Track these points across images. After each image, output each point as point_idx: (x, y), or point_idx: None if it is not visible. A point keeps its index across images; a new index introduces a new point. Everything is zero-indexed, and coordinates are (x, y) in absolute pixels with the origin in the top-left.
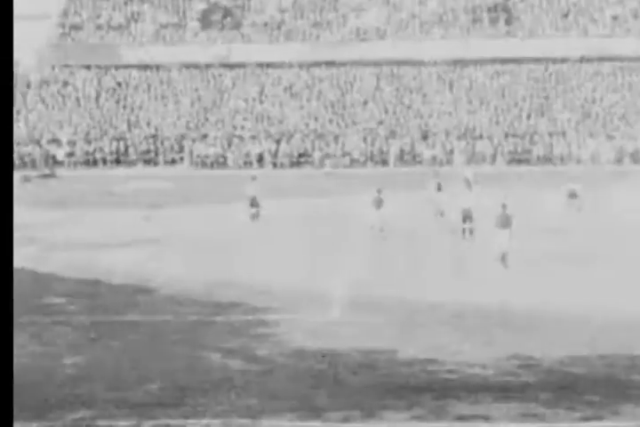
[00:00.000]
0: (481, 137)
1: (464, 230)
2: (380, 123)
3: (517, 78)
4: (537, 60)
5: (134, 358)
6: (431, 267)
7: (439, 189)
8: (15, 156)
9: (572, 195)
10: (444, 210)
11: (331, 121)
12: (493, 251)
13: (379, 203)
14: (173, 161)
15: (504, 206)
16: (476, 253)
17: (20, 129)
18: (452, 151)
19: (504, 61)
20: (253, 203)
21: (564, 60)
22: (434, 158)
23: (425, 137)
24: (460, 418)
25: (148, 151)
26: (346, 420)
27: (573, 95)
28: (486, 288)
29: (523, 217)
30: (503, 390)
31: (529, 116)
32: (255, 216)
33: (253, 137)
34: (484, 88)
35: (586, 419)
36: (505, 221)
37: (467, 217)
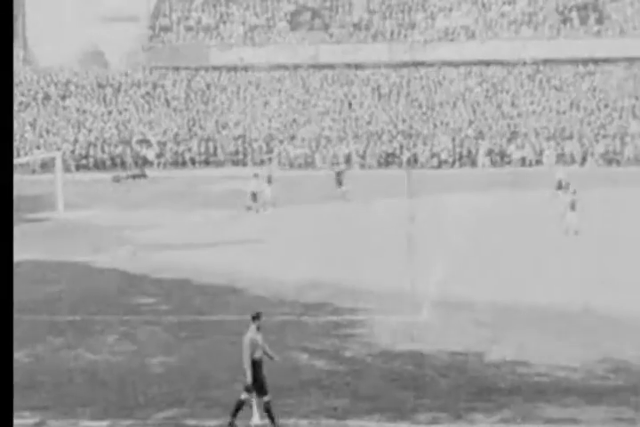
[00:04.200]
0: (571, 138)
1: None
2: (469, 123)
3: (608, 78)
4: (628, 60)
5: (223, 357)
6: (522, 268)
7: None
8: (106, 156)
9: None
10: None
11: (419, 122)
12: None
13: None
14: (262, 162)
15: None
16: (566, 254)
17: (110, 130)
18: (541, 152)
19: (595, 61)
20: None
21: None
22: (523, 159)
23: (514, 138)
24: (550, 421)
25: (236, 152)
26: (434, 422)
27: None
28: (577, 290)
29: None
30: (594, 394)
31: (620, 117)
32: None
33: (341, 138)
34: (574, 88)
35: None
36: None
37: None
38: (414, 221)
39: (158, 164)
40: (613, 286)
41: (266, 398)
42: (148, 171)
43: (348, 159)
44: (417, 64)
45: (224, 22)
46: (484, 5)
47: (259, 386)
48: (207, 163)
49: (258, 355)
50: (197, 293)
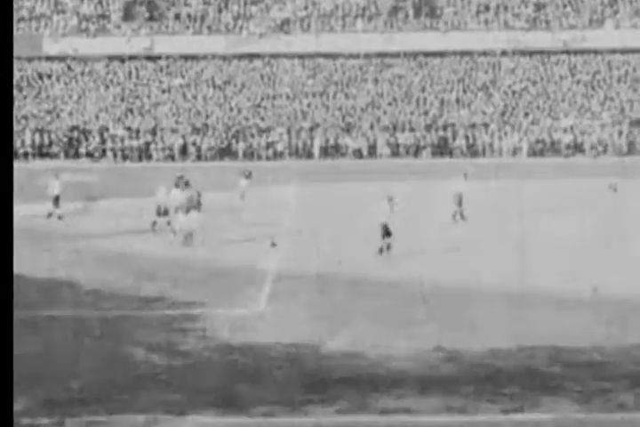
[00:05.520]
0: (404, 129)
1: None
2: (304, 115)
3: (439, 71)
4: (459, 54)
5: (57, 354)
6: (359, 259)
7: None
8: None
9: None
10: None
11: (254, 114)
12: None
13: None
14: (96, 153)
15: None
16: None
17: None
18: (375, 144)
19: (426, 54)
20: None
21: (485, 54)
22: (357, 151)
23: (348, 129)
24: (384, 411)
25: (70, 144)
26: (270, 414)
27: (494, 88)
28: (410, 279)
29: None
30: (426, 384)
31: (449, 110)
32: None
33: (176, 130)
34: (406, 81)
35: (506, 411)
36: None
37: None
38: (249, 213)
39: None
40: (446, 276)
41: None
42: None
43: (183, 151)
44: (252, 56)
45: (57, 12)
46: None
47: None
48: (41, 155)
49: None
50: (31, 287)
